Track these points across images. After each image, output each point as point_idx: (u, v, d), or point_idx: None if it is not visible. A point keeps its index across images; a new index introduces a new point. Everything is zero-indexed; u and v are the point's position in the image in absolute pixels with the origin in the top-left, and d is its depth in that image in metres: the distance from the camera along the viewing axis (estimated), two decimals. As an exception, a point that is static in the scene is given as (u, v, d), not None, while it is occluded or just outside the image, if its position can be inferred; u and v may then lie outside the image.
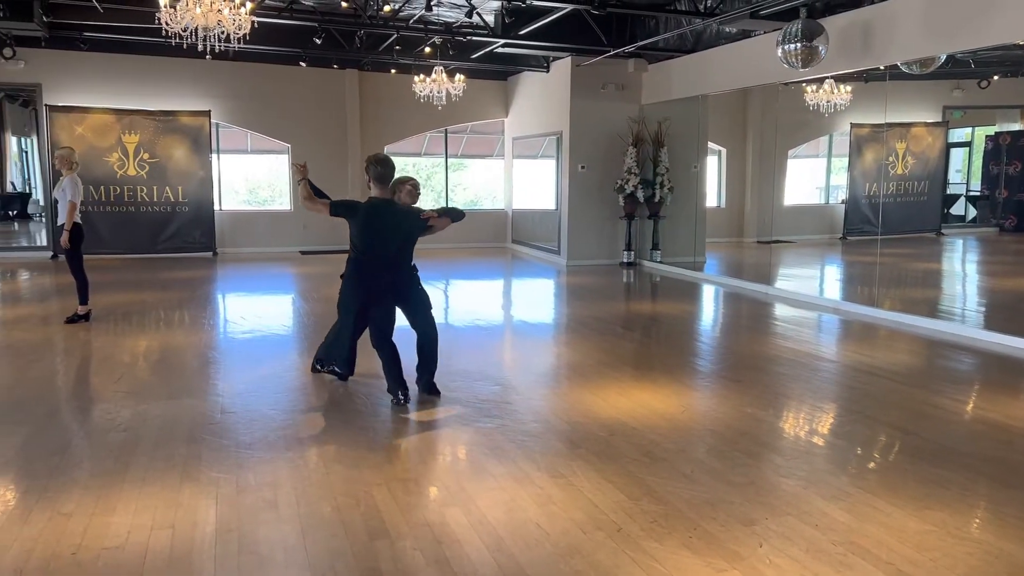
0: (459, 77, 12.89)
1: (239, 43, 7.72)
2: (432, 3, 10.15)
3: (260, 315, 9.26)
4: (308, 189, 5.70)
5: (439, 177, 17.53)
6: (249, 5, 7.74)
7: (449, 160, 17.35)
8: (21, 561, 3.31)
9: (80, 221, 8.30)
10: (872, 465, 4.67)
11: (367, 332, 5.87)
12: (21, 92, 17.14)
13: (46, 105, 13.84)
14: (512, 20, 11.82)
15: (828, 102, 12.63)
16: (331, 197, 5.91)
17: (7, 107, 20.45)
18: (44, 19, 11.15)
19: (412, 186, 5.91)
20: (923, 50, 8.74)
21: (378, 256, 5.62)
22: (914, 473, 4.36)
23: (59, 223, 8.40)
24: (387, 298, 5.75)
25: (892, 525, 3.70)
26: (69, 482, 4.14)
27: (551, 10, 10.59)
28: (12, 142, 21.74)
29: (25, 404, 5.58)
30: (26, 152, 22.93)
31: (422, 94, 12.94)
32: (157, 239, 14.48)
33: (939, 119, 14.60)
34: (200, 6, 7.20)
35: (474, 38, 12.23)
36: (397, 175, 5.78)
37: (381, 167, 5.60)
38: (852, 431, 5.21)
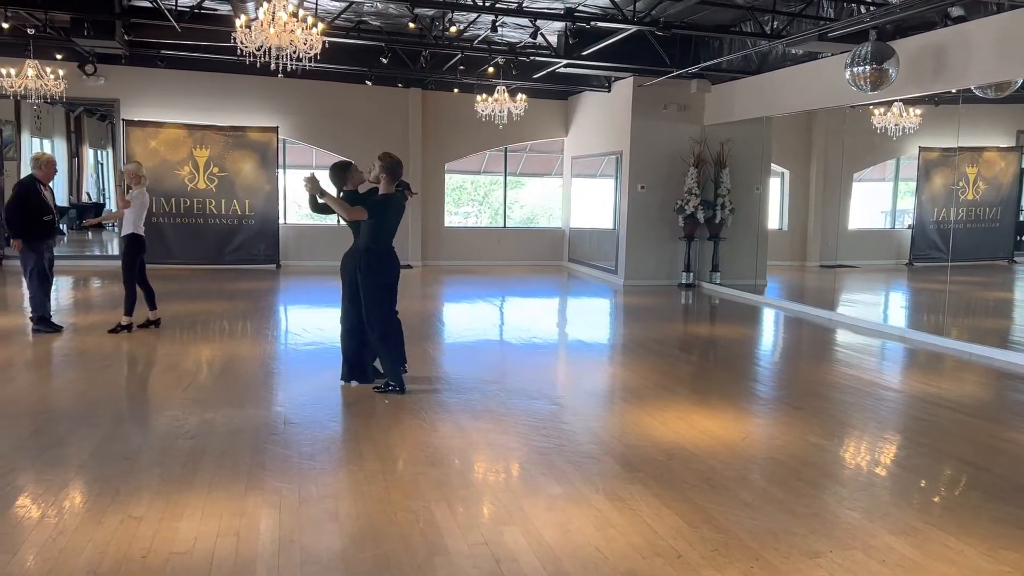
0: (520, 96, 12.99)
1: (310, 62, 7.92)
2: (497, 24, 10.26)
3: (321, 327, 9.41)
4: (337, 199, 6.33)
5: (497, 195, 17.67)
6: (321, 26, 7.94)
7: (508, 178, 17.48)
8: (95, 563, 3.42)
9: (142, 233, 8.49)
10: (940, 500, 4.54)
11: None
12: (100, 107, 17.86)
13: (123, 119, 14.38)
14: (575, 41, 11.88)
15: (896, 125, 12.36)
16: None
17: (85, 120, 21.34)
18: (125, 37, 11.61)
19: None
20: (999, 74, 8.51)
21: (389, 243, 6.41)
22: (986, 510, 4.22)
23: (123, 233, 8.63)
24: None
25: (963, 564, 3.59)
26: (139, 487, 4.27)
27: (615, 31, 10.62)
28: (89, 154, 22.65)
29: (97, 409, 5.78)
30: (101, 164, 23.87)
31: (484, 113, 13.08)
32: (224, 251, 14.89)
33: (1013, 144, 14.21)
34: (274, 27, 7.42)
35: (537, 58, 12.32)
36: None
37: (396, 165, 6.32)
38: (920, 464, 5.06)
